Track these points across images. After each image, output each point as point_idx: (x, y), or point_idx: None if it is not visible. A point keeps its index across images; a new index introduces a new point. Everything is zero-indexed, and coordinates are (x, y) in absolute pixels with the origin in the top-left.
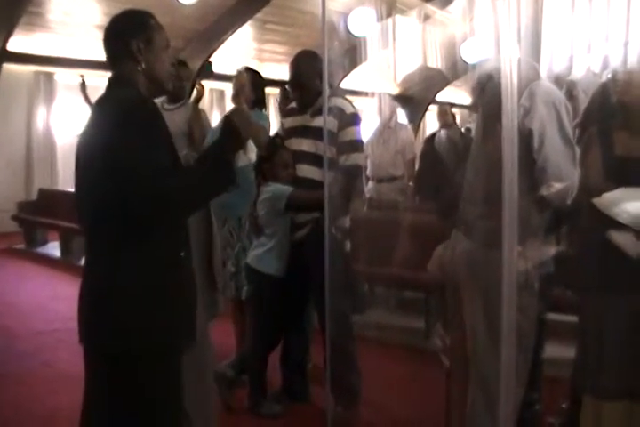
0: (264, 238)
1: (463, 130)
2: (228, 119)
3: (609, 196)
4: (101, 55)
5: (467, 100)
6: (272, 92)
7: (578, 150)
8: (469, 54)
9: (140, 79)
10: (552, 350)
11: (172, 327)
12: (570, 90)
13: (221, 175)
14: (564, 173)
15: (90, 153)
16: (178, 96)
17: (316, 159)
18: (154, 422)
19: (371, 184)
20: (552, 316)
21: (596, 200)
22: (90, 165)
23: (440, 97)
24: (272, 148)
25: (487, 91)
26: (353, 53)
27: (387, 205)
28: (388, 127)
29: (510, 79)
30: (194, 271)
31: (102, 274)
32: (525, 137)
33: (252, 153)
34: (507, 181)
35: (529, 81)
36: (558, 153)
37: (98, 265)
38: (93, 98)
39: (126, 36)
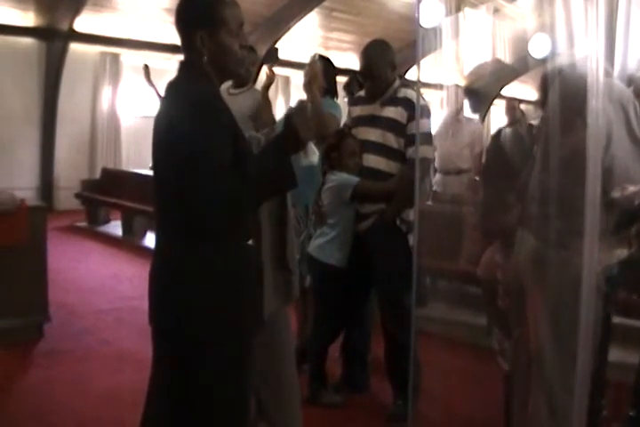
0: (327, 228)
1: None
2: (289, 120)
3: None
4: (167, 38)
5: (533, 95)
6: (339, 81)
7: None
8: (537, 49)
9: (208, 67)
10: (617, 355)
11: (237, 313)
12: (638, 87)
13: (280, 175)
14: (632, 174)
15: (160, 140)
16: (244, 81)
17: (383, 149)
18: (217, 408)
19: (438, 176)
20: (617, 319)
21: None
22: (160, 152)
23: (506, 91)
24: (339, 136)
25: (557, 86)
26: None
27: (452, 199)
28: (456, 120)
29: (596, 76)
30: (262, 258)
31: (171, 259)
32: None
33: (313, 156)
34: (590, 180)
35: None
36: (626, 153)
37: (167, 249)
38: (157, 80)
39: (191, 28)
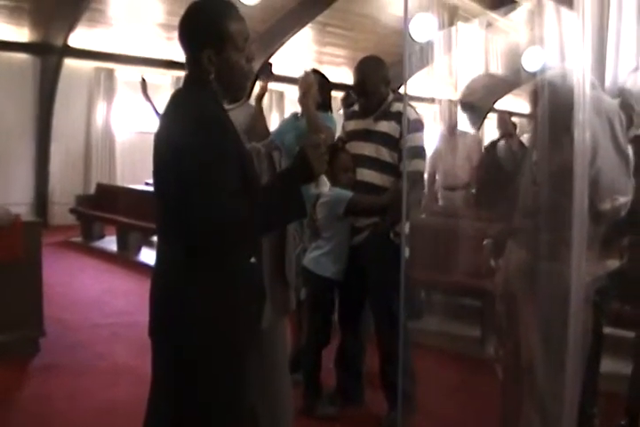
0: (322, 241)
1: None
2: (303, 153)
3: None
4: (161, 53)
5: (526, 108)
6: (332, 95)
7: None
8: (531, 63)
9: (214, 83)
10: (609, 365)
11: (236, 329)
12: (625, 99)
13: (290, 208)
14: (618, 186)
15: (162, 155)
16: (238, 96)
17: (377, 164)
18: (214, 418)
19: (442, 192)
20: (610, 330)
21: None
22: (162, 167)
23: (500, 105)
24: (333, 151)
25: (546, 100)
26: (414, 59)
27: (448, 213)
28: (452, 134)
29: (582, 90)
30: (263, 274)
31: (171, 274)
32: None
33: (324, 187)
34: (577, 193)
35: None
36: (612, 165)
37: (168, 264)
38: (152, 95)
39: (197, 45)
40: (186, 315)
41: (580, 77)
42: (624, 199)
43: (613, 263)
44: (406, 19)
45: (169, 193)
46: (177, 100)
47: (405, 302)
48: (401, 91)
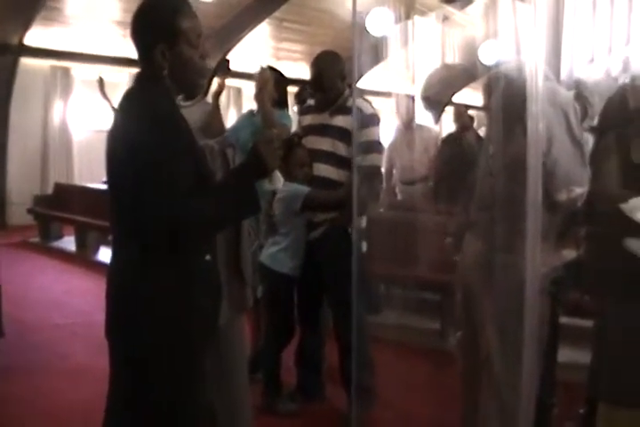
0: (279, 237)
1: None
2: (256, 149)
3: (636, 202)
4: (118, 51)
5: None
6: (290, 91)
7: (587, 151)
8: (487, 56)
9: (167, 79)
10: (568, 355)
11: (191, 327)
12: (580, 91)
13: (244, 204)
14: (574, 176)
15: (115, 152)
16: (194, 93)
17: (333, 158)
18: (169, 417)
19: (400, 186)
20: (569, 320)
21: (623, 206)
22: (115, 165)
23: (458, 99)
24: (289, 146)
25: (499, 92)
26: (371, 53)
27: (407, 207)
28: (410, 128)
29: (535, 82)
30: (219, 271)
31: (125, 272)
32: None
33: (278, 183)
34: (531, 184)
35: None
36: (568, 156)
37: (122, 262)
38: (110, 93)
39: (150, 41)
40: (140, 313)
41: (533, 69)
42: (580, 190)
43: (570, 254)
44: (355, 11)
45: (122, 191)
46: (130, 96)
47: (364, 297)
48: (359, 85)
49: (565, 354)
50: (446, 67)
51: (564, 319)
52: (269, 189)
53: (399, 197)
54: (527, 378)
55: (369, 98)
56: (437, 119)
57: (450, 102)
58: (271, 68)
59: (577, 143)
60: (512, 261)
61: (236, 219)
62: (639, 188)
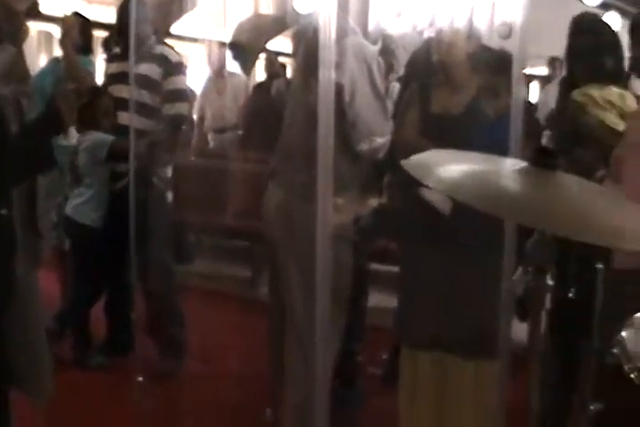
0: (83, 189)
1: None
2: (52, 104)
3: (419, 158)
4: None
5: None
6: (101, 36)
7: (391, 104)
8: (301, 4)
9: None
10: (377, 299)
11: None
12: (386, 45)
13: (38, 158)
14: (375, 127)
15: None
16: None
17: (139, 107)
18: None
19: (211, 134)
20: (378, 267)
21: (404, 162)
22: None
23: (272, 46)
24: (94, 95)
25: (304, 42)
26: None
27: (218, 155)
28: (221, 76)
29: (328, 31)
30: (14, 226)
31: None
32: (336, 92)
33: (73, 139)
34: (321, 134)
35: (340, 35)
36: (369, 107)
37: None
38: None
39: None
40: None
41: (327, 19)
42: (382, 140)
43: (374, 202)
44: None
45: None
46: None
47: (171, 247)
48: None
49: (374, 299)
50: (257, 15)
51: (375, 266)
52: (65, 144)
53: (211, 144)
54: (322, 325)
55: (181, 44)
56: (250, 67)
57: (264, 50)
58: (76, 14)
59: (379, 96)
60: (310, 209)
61: (30, 174)
62: (438, 137)
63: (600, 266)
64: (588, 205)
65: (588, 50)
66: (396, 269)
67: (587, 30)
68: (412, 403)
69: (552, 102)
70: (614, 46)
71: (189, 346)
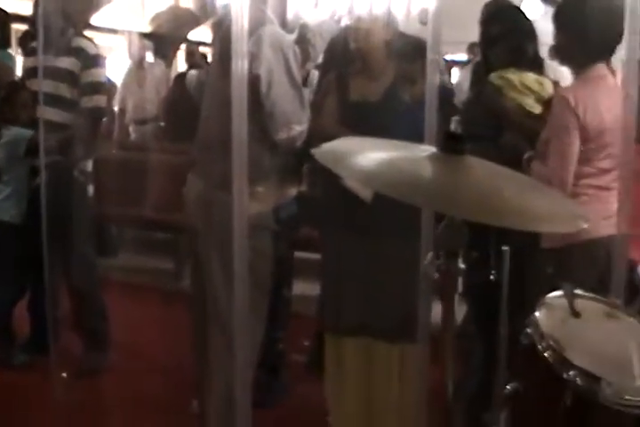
0: (2, 185)
1: None
2: None
3: (330, 147)
4: None
5: None
6: (21, 29)
7: (308, 93)
8: None
9: None
10: (302, 287)
11: None
12: (303, 33)
13: None
14: (292, 116)
15: None
16: None
17: (57, 100)
18: None
19: (133, 126)
20: (302, 254)
21: (314, 151)
22: None
23: (193, 36)
24: (12, 89)
25: (221, 33)
26: None
27: (139, 146)
28: (141, 68)
29: (241, 22)
30: None
31: None
32: (253, 82)
33: None
34: (235, 124)
35: (256, 25)
36: (286, 97)
37: None
38: None
39: None
40: None
41: (239, 10)
42: (300, 128)
43: (294, 191)
44: None
45: None
46: None
47: (93, 240)
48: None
49: (299, 287)
50: (176, 6)
51: (299, 254)
52: None
53: (132, 136)
54: (241, 313)
55: (101, 36)
56: (171, 57)
57: (185, 40)
58: None
59: (296, 85)
60: (228, 199)
61: None
62: (357, 125)
63: (505, 248)
64: (495, 188)
65: (501, 36)
66: (319, 256)
67: (497, 17)
68: (340, 388)
69: (466, 86)
70: (527, 33)
71: (113, 340)
